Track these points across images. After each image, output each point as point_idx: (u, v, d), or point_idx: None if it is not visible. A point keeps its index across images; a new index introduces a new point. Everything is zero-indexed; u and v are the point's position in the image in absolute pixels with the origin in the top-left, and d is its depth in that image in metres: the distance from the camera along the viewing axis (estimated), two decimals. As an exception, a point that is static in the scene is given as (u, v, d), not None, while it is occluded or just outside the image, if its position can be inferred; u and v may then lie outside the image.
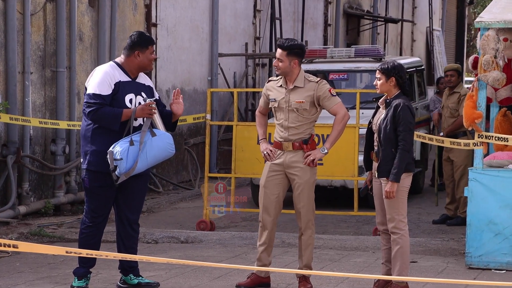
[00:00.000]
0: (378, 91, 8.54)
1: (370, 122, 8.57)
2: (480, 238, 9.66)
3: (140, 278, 8.48)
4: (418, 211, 13.50)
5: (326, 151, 8.59)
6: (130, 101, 8.24)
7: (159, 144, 8.15)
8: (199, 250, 10.66)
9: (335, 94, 8.63)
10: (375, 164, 8.44)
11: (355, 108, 12.22)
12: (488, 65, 9.67)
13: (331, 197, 13.61)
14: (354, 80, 15.23)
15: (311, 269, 8.70)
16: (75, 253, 6.03)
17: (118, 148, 7.97)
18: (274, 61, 8.71)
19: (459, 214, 12.40)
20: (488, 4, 10.69)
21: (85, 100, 8.19)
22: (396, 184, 8.16)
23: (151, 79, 15.61)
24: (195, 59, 17.44)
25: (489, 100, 10.12)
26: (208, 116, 12.66)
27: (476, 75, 9.84)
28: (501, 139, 9.86)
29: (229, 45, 18.55)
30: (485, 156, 9.98)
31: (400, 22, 28.19)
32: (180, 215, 13.40)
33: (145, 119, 8.14)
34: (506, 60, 9.92)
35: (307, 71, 14.78)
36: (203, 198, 12.10)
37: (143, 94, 8.32)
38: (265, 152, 8.68)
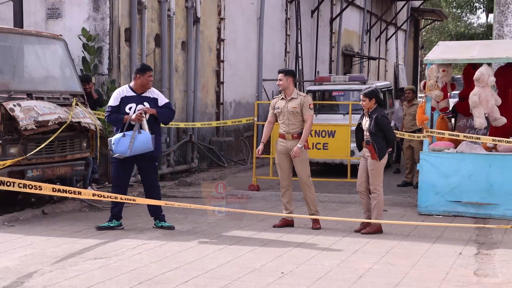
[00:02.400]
0: (364, 108, 8.49)
1: (359, 124, 8.57)
2: (427, 196, 9.65)
3: (163, 222, 8.40)
4: (388, 179, 13.41)
5: (301, 146, 8.52)
6: (130, 108, 8.20)
7: (142, 140, 8.06)
8: (250, 203, 10.70)
9: (311, 108, 8.63)
10: (364, 149, 8.44)
11: (348, 113, 12.21)
12: (432, 87, 9.69)
13: (333, 170, 13.61)
14: (348, 95, 15.18)
15: (318, 213, 8.74)
16: (171, 204, 6.10)
17: (113, 138, 8.15)
18: (277, 82, 8.79)
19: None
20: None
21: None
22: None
23: (219, 98, 15.84)
24: (247, 83, 17.49)
25: (433, 109, 10.10)
26: (256, 119, 12.71)
27: (425, 93, 9.83)
28: (440, 133, 9.84)
29: (269, 74, 18.55)
30: (430, 144, 9.95)
31: (378, 59, 28.05)
32: (238, 181, 13.49)
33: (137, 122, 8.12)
34: (444, 83, 9.91)
35: (318, 90, 15.11)
36: (252, 169, 12.18)
37: (145, 103, 8.22)
38: (258, 150, 8.75)
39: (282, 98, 8.72)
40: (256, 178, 12.13)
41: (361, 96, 8.44)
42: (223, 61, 16.07)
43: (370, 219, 8.38)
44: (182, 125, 13.18)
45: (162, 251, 7.24)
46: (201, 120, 14.76)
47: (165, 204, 6.00)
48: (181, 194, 11.47)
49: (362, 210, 8.72)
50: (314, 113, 9.33)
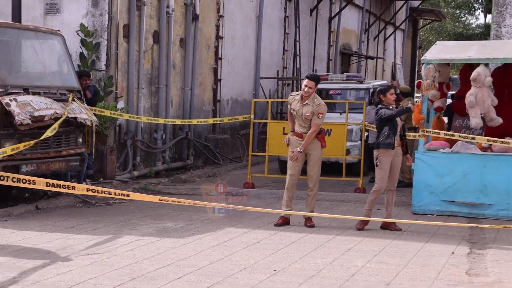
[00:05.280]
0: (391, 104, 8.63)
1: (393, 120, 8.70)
2: (421, 195, 9.64)
3: None
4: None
5: (300, 150, 8.53)
6: None
7: None
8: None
9: (320, 117, 8.53)
10: (398, 147, 8.58)
11: (344, 112, 12.20)
12: (429, 86, 9.66)
13: (328, 169, 13.60)
14: (346, 94, 15.19)
15: (313, 212, 8.73)
16: (165, 200, 6.09)
17: None
18: (306, 89, 8.49)
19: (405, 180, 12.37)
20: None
21: None
22: None
23: (216, 95, 15.82)
24: (245, 80, 17.47)
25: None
26: (252, 116, 12.68)
27: (421, 92, 9.82)
28: (435, 133, 9.83)
29: (267, 72, 18.56)
30: (425, 143, 9.95)
31: (375, 58, 28.03)
32: (233, 178, 13.46)
33: None
34: (438, 84, 9.94)
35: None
36: (248, 167, 12.17)
37: None
38: (286, 140, 8.73)
39: (298, 101, 8.66)
40: (251, 176, 12.13)
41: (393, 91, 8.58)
42: (221, 59, 16.04)
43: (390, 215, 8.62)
44: (178, 122, 13.17)
45: (155, 247, 7.23)
46: (197, 117, 14.75)
47: (159, 199, 5.97)
48: (176, 191, 11.45)
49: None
50: None
